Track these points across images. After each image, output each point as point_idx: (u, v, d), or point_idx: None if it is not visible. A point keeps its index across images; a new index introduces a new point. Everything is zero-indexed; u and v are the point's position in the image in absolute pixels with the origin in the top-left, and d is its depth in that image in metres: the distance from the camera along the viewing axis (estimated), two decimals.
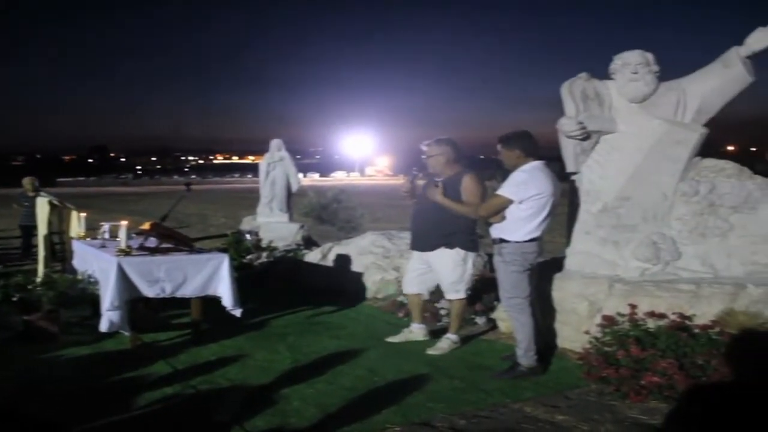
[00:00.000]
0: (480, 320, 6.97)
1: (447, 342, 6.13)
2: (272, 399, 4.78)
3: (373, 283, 8.47)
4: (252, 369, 5.54)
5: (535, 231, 5.42)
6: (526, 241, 5.41)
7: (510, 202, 5.40)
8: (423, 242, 6.25)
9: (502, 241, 5.49)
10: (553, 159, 5.98)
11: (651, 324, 5.31)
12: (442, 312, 6.97)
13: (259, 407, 4.59)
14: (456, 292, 6.19)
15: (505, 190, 5.46)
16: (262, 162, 12.98)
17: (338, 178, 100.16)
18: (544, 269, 5.54)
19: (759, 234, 5.81)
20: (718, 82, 5.87)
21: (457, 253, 6.10)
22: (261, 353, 5.96)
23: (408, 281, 6.55)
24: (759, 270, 5.78)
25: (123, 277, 6.06)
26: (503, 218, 5.45)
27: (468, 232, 6.14)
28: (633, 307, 5.44)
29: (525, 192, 5.36)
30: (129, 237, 6.68)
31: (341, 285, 8.72)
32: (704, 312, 5.44)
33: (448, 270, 6.14)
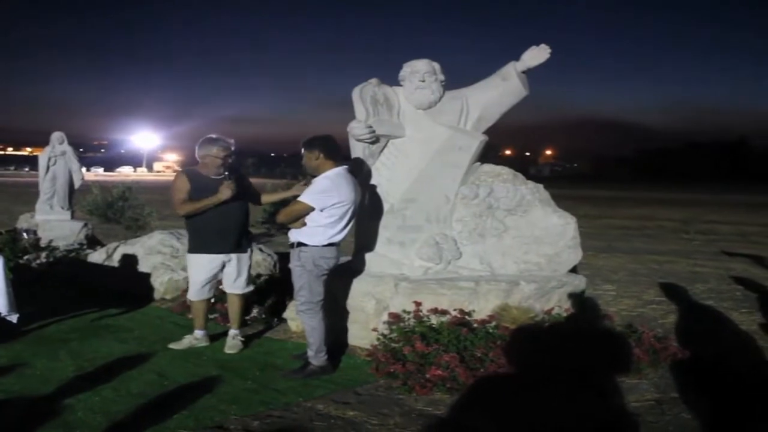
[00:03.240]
0: (255, 311, 7.08)
1: (239, 339, 6.17)
2: (54, 410, 4.51)
3: (161, 283, 8.26)
4: (31, 379, 5.20)
5: (335, 237, 5.47)
6: (324, 246, 5.44)
7: (311, 209, 5.38)
8: (233, 243, 6.12)
9: (300, 244, 5.48)
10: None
11: (434, 320, 5.63)
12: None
13: (39, 420, 4.31)
14: (248, 286, 6.37)
15: (307, 197, 5.42)
16: (42, 155, 12.23)
17: (124, 173, 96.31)
18: (334, 268, 5.66)
19: (530, 235, 6.31)
20: (497, 93, 6.29)
21: (252, 249, 6.40)
22: (40, 361, 5.61)
23: (201, 289, 6.24)
24: (530, 268, 6.29)
25: None
26: (303, 224, 5.44)
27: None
28: (418, 304, 5.74)
29: (327, 200, 5.36)
30: None
31: (128, 286, 8.43)
32: (482, 308, 5.84)
33: (247, 267, 6.31)
